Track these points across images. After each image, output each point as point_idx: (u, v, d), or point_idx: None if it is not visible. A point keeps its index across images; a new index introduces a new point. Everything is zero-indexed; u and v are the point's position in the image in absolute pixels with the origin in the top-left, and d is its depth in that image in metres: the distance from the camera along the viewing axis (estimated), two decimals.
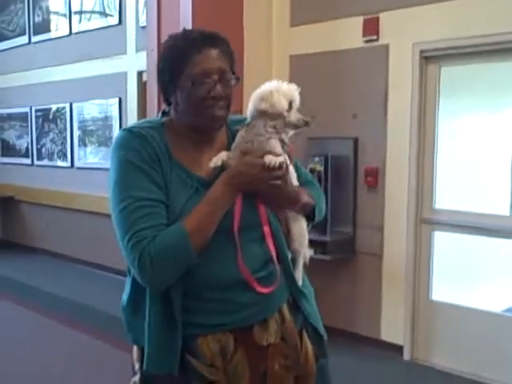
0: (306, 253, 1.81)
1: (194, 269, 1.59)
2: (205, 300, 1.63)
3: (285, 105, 1.65)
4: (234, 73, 1.69)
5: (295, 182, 1.79)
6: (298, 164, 1.90)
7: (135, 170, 1.59)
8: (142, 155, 1.60)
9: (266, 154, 1.62)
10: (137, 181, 1.58)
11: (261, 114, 1.66)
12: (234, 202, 1.61)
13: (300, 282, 1.78)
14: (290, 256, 1.76)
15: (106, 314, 5.39)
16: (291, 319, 1.74)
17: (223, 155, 1.67)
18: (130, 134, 1.65)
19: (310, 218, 1.83)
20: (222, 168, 1.65)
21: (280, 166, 1.63)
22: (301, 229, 1.79)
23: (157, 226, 1.55)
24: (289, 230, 1.78)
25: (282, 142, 1.69)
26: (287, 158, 1.69)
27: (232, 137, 1.72)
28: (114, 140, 1.69)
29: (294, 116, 1.67)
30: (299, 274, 1.79)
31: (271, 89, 1.66)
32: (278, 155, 1.64)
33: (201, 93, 1.61)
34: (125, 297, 1.73)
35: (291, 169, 1.76)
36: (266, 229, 1.68)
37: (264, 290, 1.63)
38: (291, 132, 1.72)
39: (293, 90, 1.68)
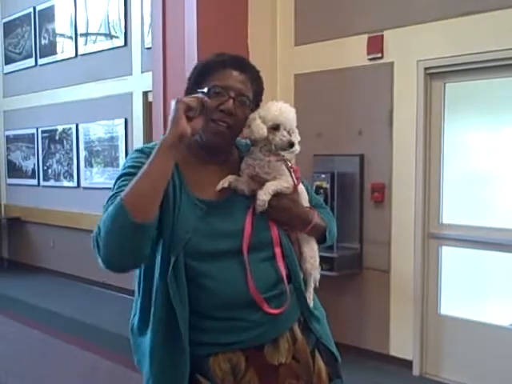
0: (316, 275, 1.82)
1: (204, 288, 1.60)
2: (215, 319, 1.62)
3: (263, 131, 1.67)
4: (257, 102, 1.73)
5: (306, 203, 1.80)
6: (309, 188, 1.91)
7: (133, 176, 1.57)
8: None
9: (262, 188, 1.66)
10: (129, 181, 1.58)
11: (250, 139, 1.72)
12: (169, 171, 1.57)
13: (311, 304, 1.78)
14: (301, 275, 1.76)
15: (113, 333, 5.39)
16: (303, 339, 1.72)
17: (230, 178, 1.70)
18: (141, 153, 1.68)
19: (321, 240, 1.84)
20: (232, 190, 1.69)
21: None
22: (312, 250, 1.81)
23: None
24: (301, 251, 1.79)
25: (285, 163, 1.73)
26: (294, 178, 1.72)
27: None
28: (125, 158, 1.73)
29: (280, 138, 1.68)
30: (310, 295, 1.79)
31: (255, 116, 1.69)
32: (280, 179, 1.68)
33: (212, 103, 1.62)
34: (133, 317, 1.73)
35: (301, 189, 1.78)
36: (278, 250, 1.69)
37: (273, 311, 1.63)
38: (287, 153, 1.74)
39: (282, 113, 1.70)
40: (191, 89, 1.71)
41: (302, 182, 1.84)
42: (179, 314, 1.58)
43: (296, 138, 1.72)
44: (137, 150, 1.72)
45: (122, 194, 1.52)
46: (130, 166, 1.66)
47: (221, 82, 1.66)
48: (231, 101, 1.64)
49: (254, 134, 1.68)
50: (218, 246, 1.61)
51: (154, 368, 1.62)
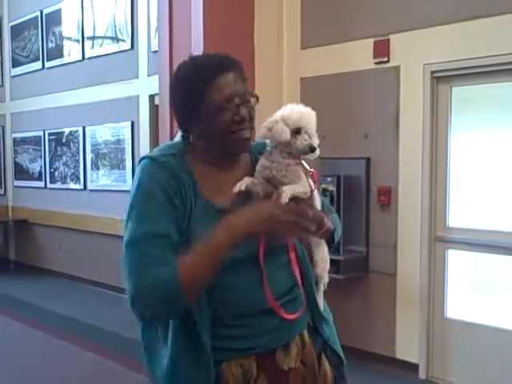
0: (326, 278, 1.81)
1: (220, 297, 1.59)
2: (231, 326, 1.61)
3: (286, 135, 1.62)
4: (251, 92, 1.68)
5: (319, 207, 1.77)
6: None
7: (156, 203, 1.56)
8: (165, 189, 1.58)
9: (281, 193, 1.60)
10: (155, 215, 1.56)
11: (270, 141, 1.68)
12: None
13: (322, 307, 1.78)
14: (314, 279, 1.76)
15: (119, 335, 5.42)
16: (311, 343, 1.73)
17: (247, 180, 1.66)
18: (156, 164, 1.62)
19: (329, 242, 1.83)
20: (247, 194, 1.65)
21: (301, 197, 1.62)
22: (323, 254, 1.80)
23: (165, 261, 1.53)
24: (312, 255, 1.78)
25: (303, 167, 1.69)
26: (311, 183, 1.69)
27: (256, 160, 1.71)
28: (138, 167, 1.66)
29: (301, 142, 1.64)
30: (321, 299, 1.79)
31: (277, 118, 1.65)
32: (297, 185, 1.63)
33: (225, 118, 1.59)
34: (143, 338, 1.70)
35: (316, 193, 1.75)
36: (293, 255, 1.68)
37: (290, 317, 1.63)
38: (309, 157, 1.70)
39: (303, 117, 1.66)
40: (188, 114, 1.64)
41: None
42: (199, 324, 1.58)
43: (316, 141, 1.68)
44: (150, 159, 1.64)
45: (179, 269, 1.49)
46: (154, 197, 1.58)
47: (220, 95, 1.59)
48: (241, 108, 1.61)
49: (276, 137, 1.64)
50: (233, 255, 1.56)
51: (176, 378, 1.62)
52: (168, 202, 1.57)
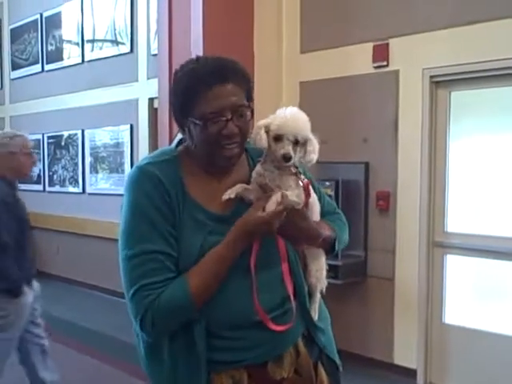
0: (322, 285, 1.79)
1: (210, 309, 1.58)
2: (220, 338, 1.60)
3: (262, 143, 1.61)
4: (250, 99, 1.65)
5: (317, 216, 1.76)
6: (322, 193, 1.88)
7: (144, 219, 1.56)
8: (152, 200, 1.57)
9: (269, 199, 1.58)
10: (144, 231, 1.56)
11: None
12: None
13: (316, 317, 1.75)
14: (306, 290, 1.73)
15: (117, 339, 5.39)
16: (306, 352, 1.70)
17: (238, 187, 1.64)
18: (143, 175, 1.60)
19: (329, 250, 1.81)
20: (239, 200, 1.63)
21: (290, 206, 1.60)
22: (318, 264, 1.77)
23: (162, 282, 1.53)
24: (306, 264, 1.75)
25: (296, 176, 1.66)
26: (301, 193, 1.65)
27: (254, 165, 1.69)
28: (126, 178, 1.65)
29: (276, 150, 1.60)
30: (315, 309, 1.76)
31: (260, 125, 1.63)
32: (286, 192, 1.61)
33: (212, 131, 1.56)
34: (140, 345, 1.69)
35: (313, 201, 1.73)
36: (285, 266, 1.65)
37: (279, 329, 1.60)
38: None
39: (286, 122, 1.61)
40: (181, 116, 1.63)
41: (314, 188, 1.79)
42: (196, 331, 1.58)
43: (312, 146, 1.65)
44: (138, 168, 1.63)
45: (191, 283, 1.53)
46: (142, 212, 1.58)
47: (211, 106, 1.55)
48: (230, 123, 1.57)
49: (256, 143, 1.63)
50: None
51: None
52: (157, 214, 1.57)
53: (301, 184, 1.66)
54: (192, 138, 1.62)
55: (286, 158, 1.60)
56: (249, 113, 1.62)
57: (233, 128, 1.57)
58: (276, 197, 1.57)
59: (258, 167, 1.66)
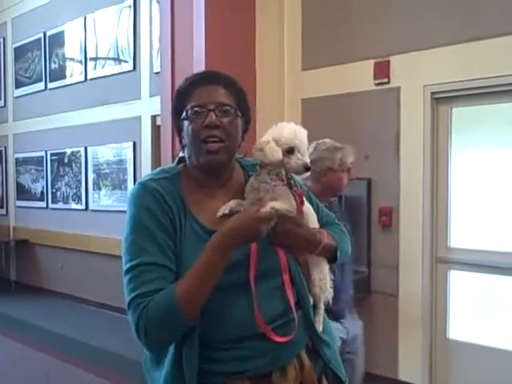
0: (327, 296, 1.79)
1: (211, 323, 1.59)
2: (224, 350, 1.61)
3: (278, 155, 1.62)
4: (243, 109, 1.69)
5: (314, 225, 1.77)
6: (320, 205, 1.89)
7: (145, 233, 1.59)
8: (154, 215, 1.60)
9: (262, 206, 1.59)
10: (144, 243, 1.58)
11: (261, 162, 1.67)
12: (228, 259, 1.56)
13: (320, 329, 1.75)
14: (311, 301, 1.74)
15: (122, 356, 5.38)
16: (310, 365, 1.71)
17: (232, 203, 1.66)
18: (145, 190, 1.64)
19: (332, 259, 1.81)
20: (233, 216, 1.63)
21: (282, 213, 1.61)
22: (322, 273, 1.77)
23: (156, 291, 1.54)
24: (309, 274, 1.76)
25: (289, 187, 1.68)
26: (298, 201, 1.68)
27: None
28: (129, 194, 1.69)
29: (295, 162, 1.63)
30: (320, 320, 1.76)
31: (268, 138, 1.64)
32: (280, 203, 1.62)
33: (196, 125, 1.62)
34: (145, 352, 1.71)
35: (308, 210, 1.75)
36: (286, 277, 1.66)
37: (281, 340, 1.61)
38: (299, 176, 1.71)
39: (296, 135, 1.65)
40: (175, 123, 1.71)
41: (311, 200, 1.82)
42: (185, 354, 1.58)
43: (307, 160, 1.67)
44: (140, 185, 1.67)
45: (178, 288, 1.52)
46: (144, 227, 1.60)
47: (197, 100, 1.64)
48: (212, 113, 1.61)
49: (267, 157, 1.62)
50: (223, 280, 1.56)
51: None
52: (158, 227, 1.59)
53: (293, 193, 1.69)
54: (185, 146, 1.68)
55: (308, 168, 1.64)
56: (237, 118, 1.67)
57: (214, 119, 1.61)
58: (268, 205, 1.59)
59: (252, 181, 1.68)
